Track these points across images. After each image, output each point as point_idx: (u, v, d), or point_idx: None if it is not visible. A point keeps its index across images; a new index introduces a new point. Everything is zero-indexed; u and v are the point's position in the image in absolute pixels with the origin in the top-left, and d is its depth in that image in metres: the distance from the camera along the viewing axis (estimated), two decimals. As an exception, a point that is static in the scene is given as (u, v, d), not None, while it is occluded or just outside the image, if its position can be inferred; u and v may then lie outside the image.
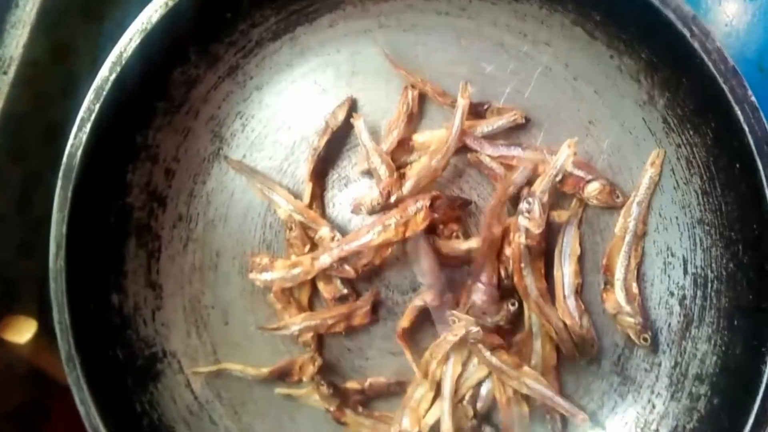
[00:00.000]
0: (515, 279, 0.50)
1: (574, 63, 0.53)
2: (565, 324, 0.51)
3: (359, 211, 0.54)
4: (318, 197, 0.57)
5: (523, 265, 0.50)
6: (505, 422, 0.52)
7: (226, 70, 0.56)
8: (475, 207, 0.55)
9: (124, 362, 0.55)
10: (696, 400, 0.50)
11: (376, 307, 0.54)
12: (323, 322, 0.54)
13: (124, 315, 0.55)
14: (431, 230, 0.52)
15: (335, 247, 0.51)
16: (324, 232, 0.55)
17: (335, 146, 0.55)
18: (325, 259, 0.52)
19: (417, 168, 0.53)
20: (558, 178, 0.50)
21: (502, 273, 0.51)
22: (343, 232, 0.54)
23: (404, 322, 0.53)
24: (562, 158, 0.50)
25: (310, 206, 0.55)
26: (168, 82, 0.54)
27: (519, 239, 0.50)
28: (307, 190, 0.56)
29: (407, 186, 0.53)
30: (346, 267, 0.53)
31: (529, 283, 0.50)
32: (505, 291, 0.51)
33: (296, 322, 0.54)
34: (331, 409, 0.53)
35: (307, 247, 0.55)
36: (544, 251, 0.51)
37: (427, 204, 0.51)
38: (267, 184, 0.56)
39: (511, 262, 0.50)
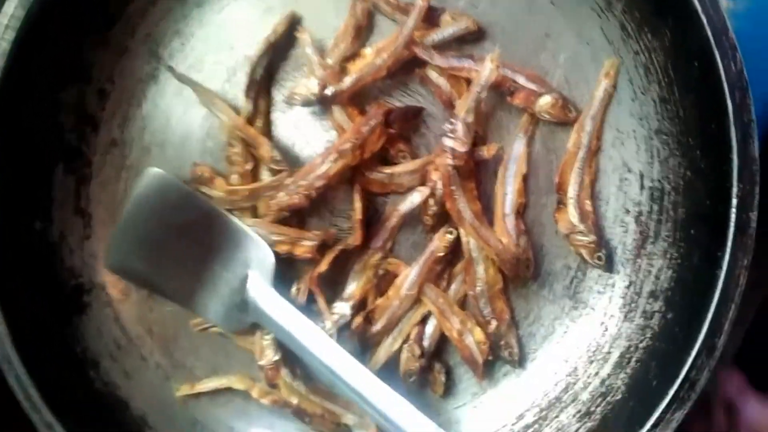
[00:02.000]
0: (447, 204, 0.48)
1: (529, -29, 0.51)
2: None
3: (293, 101, 0.51)
4: (263, 115, 0.53)
5: (453, 187, 0.48)
6: (463, 355, 0.49)
7: (166, -17, 0.50)
8: (425, 126, 0.52)
9: (45, 292, 0.51)
10: (650, 317, 0.48)
11: (322, 246, 0.50)
12: (268, 234, 0.50)
13: (49, 243, 0.51)
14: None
15: (291, 184, 0.49)
16: (264, 150, 0.52)
17: (280, 65, 0.53)
18: (282, 200, 0.49)
19: (360, 64, 0.50)
20: (482, 95, 0.48)
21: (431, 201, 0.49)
22: (287, 152, 0.52)
23: (322, 266, 0.49)
24: (486, 73, 0.48)
25: (251, 123, 0.53)
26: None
27: (445, 161, 0.47)
28: (245, 106, 0.53)
29: (347, 81, 0.50)
30: (296, 197, 0.49)
31: (462, 206, 0.48)
32: (440, 220, 0.50)
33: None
34: (269, 364, 0.50)
35: (249, 164, 0.52)
36: (473, 172, 0.49)
37: (381, 120, 0.48)
38: (209, 97, 0.53)
39: (440, 186, 0.48)
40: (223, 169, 0.52)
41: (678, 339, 0.44)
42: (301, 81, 0.51)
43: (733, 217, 0.42)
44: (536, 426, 0.50)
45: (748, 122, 0.42)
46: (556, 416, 0.50)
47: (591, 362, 0.49)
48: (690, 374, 0.42)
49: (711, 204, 0.44)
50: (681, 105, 0.46)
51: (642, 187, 0.49)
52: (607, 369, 0.49)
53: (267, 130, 0.53)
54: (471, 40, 0.51)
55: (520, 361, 0.50)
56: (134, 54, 0.53)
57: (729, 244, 0.42)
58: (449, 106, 0.51)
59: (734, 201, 0.42)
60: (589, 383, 0.49)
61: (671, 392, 0.42)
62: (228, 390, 0.52)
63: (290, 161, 0.51)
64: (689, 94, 0.45)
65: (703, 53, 0.42)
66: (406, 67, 0.51)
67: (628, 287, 0.49)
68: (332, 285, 0.51)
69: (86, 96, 0.53)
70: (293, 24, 0.53)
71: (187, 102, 0.53)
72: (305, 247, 0.50)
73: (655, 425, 0.43)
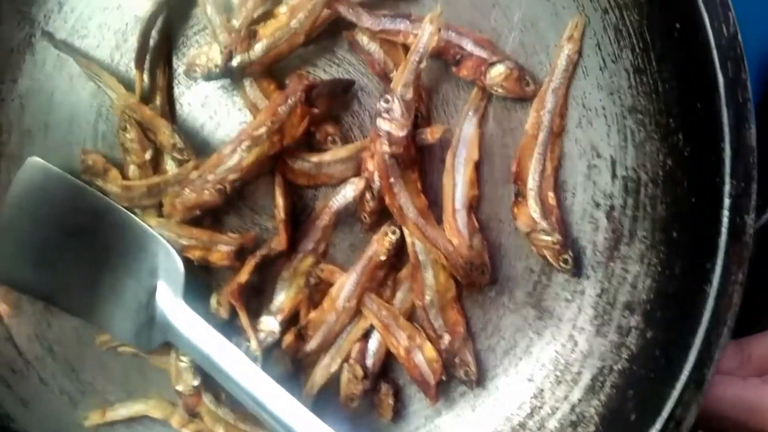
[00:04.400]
0: (387, 199, 0.42)
1: None
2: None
3: (193, 74, 0.45)
4: (163, 91, 0.47)
5: (392, 179, 0.42)
6: (412, 375, 0.45)
7: (31, -76, 0.45)
8: (358, 103, 0.46)
9: None
10: (626, 334, 0.42)
11: (241, 252, 0.45)
12: (176, 237, 0.45)
13: None
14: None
15: (197, 178, 0.44)
16: (163, 135, 0.45)
17: (181, 28, 0.47)
18: (189, 197, 0.44)
19: (271, 27, 0.44)
20: (422, 65, 0.42)
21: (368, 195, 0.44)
22: (195, 137, 0.46)
23: (242, 276, 0.44)
24: (425, 38, 0.41)
25: (147, 102, 0.46)
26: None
27: (381, 147, 0.41)
28: (137, 79, 0.46)
29: (257, 49, 0.44)
30: (206, 194, 0.44)
31: (404, 201, 0.42)
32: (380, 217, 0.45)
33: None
34: (187, 393, 0.46)
35: (148, 153, 0.46)
36: (416, 160, 0.43)
37: (302, 97, 0.43)
38: (94, 69, 0.47)
39: (376, 178, 0.42)
40: (119, 158, 0.47)
41: (660, 365, 0.39)
42: (203, 49, 0.45)
43: (725, 221, 0.36)
44: (498, 456, 0.46)
45: (743, 102, 0.35)
46: (521, 446, 0.46)
47: (559, 383, 0.44)
48: (675, 412, 0.37)
49: (697, 202, 0.39)
50: (660, 77, 0.40)
51: (614, 176, 0.43)
52: (577, 393, 0.44)
53: (168, 110, 0.47)
54: None
55: (478, 380, 0.45)
56: (1, 18, 0.47)
57: (720, 254, 0.36)
58: (384, 78, 0.45)
59: (726, 201, 0.36)
60: (557, 408, 0.44)
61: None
62: (145, 417, 0.48)
63: (198, 148, 0.46)
64: (669, 64, 0.40)
65: (686, 12, 0.37)
66: (332, 30, 0.45)
67: (599, 296, 0.44)
68: (258, 296, 0.46)
69: (-57, 72, 0.47)
70: (192, -25, 0.46)
71: (73, 75, 0.48)
72: (221, 252, 0.45)
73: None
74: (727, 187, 0.36)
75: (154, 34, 0.46)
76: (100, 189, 0.46)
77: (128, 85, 0.46)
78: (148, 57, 0.46)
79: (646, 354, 0.41)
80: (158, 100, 0.47)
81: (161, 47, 0.46)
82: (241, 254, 0.45)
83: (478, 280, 0.44)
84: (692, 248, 0.39)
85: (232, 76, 0.45)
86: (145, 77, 0.46)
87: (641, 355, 0.41)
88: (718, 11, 0.36)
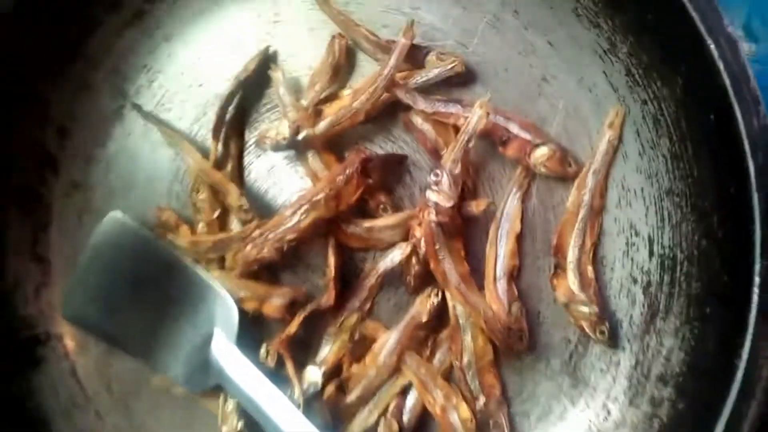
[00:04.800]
0: (431, 264, 0.44)
1: (525, 10, 0.47)
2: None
3: (263, 145, 0.48)
4: (235, 159, 0.50)
5: (437, 246, 0.43)
6: None
7: (131, 14, 0.50)
8: (409, 177, 0.48)
9: (-3, 343, 0.48)
10: (658, 405, 0.42)
11: (293, 305, 0.46)
12: (234, 289, 0.47)
13: (2, 291, 0.49)
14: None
15: (258, 237, 0.45)
16: (232, 197, 0.48)
17: (254, 105, 0.50)
18: (250, 253, 0.46)
19: (335, 107, 0.46)
20: (470, 144, 0.44)
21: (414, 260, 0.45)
22: (259, 200, 0.49)
23: (291, 328, 0.45)
24: (474, 120, 0.43)
25: (220, 168, 0.49)
26: (62, 24, 0.48)
27: (429, 216, 0.43)
28: (213, 148, 0.49)
29: (321, 125, 0.46)
30: (264, 252, 0.46)
31: (447, 267, 0.43)
32: (424, 280, 0.45)
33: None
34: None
35: (217, 212, 0.49)
36: (461, 229, 0.45)
37: (359, 168, 0.45)
38: (175, 138, 0.50)
39: (423, 244, 0.43)
40: (190, 216, 0.50)
41: None
42: (273, 123, 0.48)
43: (755, 298, 0.37)
44: None
45: None
46: None
47: None
48: (705, 483, 0.37)
49: (729, 280, 0.39)
50: (695, 163, 0.42)
51: (651, 253, 0.44)
52: (609, 462, 0.43)
53: (238, 175, 0.50)
54: (459, 82, 0.47)
55: None
56: (97, 90, 0.51)
57: (750, 330, 0.37)
58: (435, 155, 0.47)
59: (756, 279, 0.37)
60: (590, 477, 0.44)
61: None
62: (192, 456, 0.48)
63: (262, 210, 0.48)
64: (704, 151, 0.41)
65: (720, 105, 0.38)
66: (389, 111, 0.48)
67: (634, 367, 0.44)
68: (304, 348, 0.47)
69: (44, 134, 0.50)
70: (267, 61, 0.49)
71: (155, 142, 0.51)
72: (274, 305, 0.46)
73: None
74: (757, 267, 0.37)
75: (230, 109, 0.49)
76: (171, 243, 0.48)
77: (204, 153, 0.49)
78: (223, 129, 0.49)
79: (678, 425, 0.41)
80: (229, 167, 0.49)
81: (236, 120, 0.49)
82: (292, 307, 0.46)
83: (516, 345, 0.44)
84: (724, 324, 0.39)
85: (297, 148, 0.47)
86: (220, 147, 0.49)
87: (672, 427, 0.41)
88: (749, 105, 0.37)
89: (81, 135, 0.50)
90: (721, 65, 0.37)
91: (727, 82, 0.36)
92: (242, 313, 0.46)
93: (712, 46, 0.37)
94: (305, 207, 0.45)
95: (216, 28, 0.50)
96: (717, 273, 0.40)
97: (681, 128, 0.42)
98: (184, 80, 0.51)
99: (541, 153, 0.44)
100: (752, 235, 0.37)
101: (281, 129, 0.47)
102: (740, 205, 0.38)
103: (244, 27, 0.50)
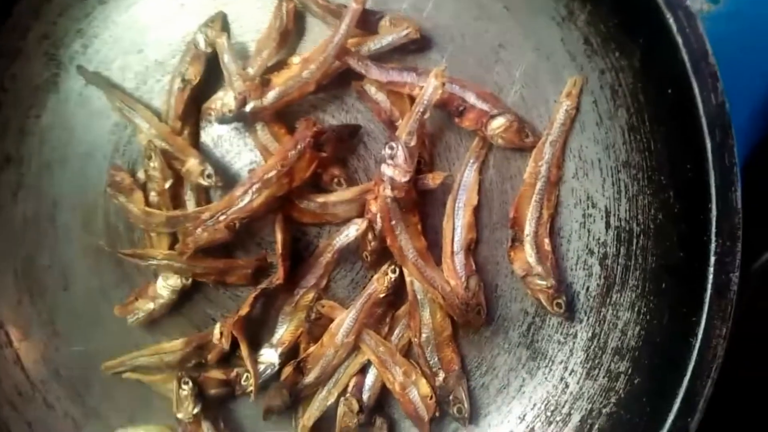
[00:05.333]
0: (388, 240, 0.43)
1: (481, -27, 0.45)
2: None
3: (208, 117, 0.46)
4: (190, 125, 0.48)
5: (393, 222, 0.42)
6: (406, 411, 0.45)
7: (61, -24, 0.46)
8: (363, 147, 0.47)
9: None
10: (615, 378, 0.43)
11: (259, 270, 0.46)
12: (189, 267, 0.46)
13: None
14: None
15: (209, 218, 0.44)
16: (192, 163, 0.46)
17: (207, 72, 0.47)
18: (200, 236, 0.44)
19: (284, 76, 0.44)
20: (426, 116, 0.42)
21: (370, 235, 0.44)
22: (216, 166, 0.47)
23: (243, 308, 0.45)
24: (429, 91, 0.42)
25: (178, 134, 0.47)
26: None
27: (384, 191, 0.42)
28: (173, 113, 0.47)
29: (269, 96, 0.44)
30: (217, 234, 0.44)
31: (404, 242, 0.43)
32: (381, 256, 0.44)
33: (156, 255, 0.46)
34: (188, 418, 0.46)
35: (169, 182, 0.47)
36: (417, 203, 0.44)
37: (310, 142, 0.43)
38: (128, 102, 0.47)
39: (379, 220, 0.43)
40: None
41: (645, 412, 0.40)
42: (218, 94, 0.46)
43: (710, 277, 0.37)
44: (488, 493, 0.46)
45: (730, 166, 0.36)
46: (511, 484, 0.45)
47: (549, 423, 0.44)
48: (659, 459, 0.37)
49: (685, 256, 0.39)
50: (652, 137, 0.41)
51: (608, 225, 0.44)
52: (567, 434, 0.44)
53: (195, 143, 0.48)
54: (414, 49, 0.45)
55: (471, 418, 0.45)
56: (28, 57, 0.49)
57: (705, 309, 0.37)
58: (390, 125, 0.45)
59: (712, 259, 0.37)
60: (548, 448, 0.44)
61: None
62: (147, 442, 0.48)
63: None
64: (661, 125, 0.41)
65: (678, 79, 0.37)
66: (342, 79, 0.46)
67: (591, 340, 0.44)
68: (261, 329, 0.46)
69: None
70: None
71: (93, 112, 0.49)
72: (238, 275, 0.46)
73: None
74: (713, 246, 0.37)
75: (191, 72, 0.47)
76: (123, 207, 0.46)
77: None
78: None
79: (633, 400, 0.41)
80: (186, 133, 0.47)
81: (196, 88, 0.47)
82: (258, 274, 0.46)
83: (474, 320, 0.44)
84: (680, 300, 0.40)
85: (245, 120, 0.45)
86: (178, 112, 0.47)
87: (628, 401, 0.42)
88: (707, 81, 0.37)
89: (12, 106, 0.49)
90: (679, 40, 0.36)
91: (686, 57, 0.36)
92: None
93: (671, 20, 0.36)
94: (257, 186, 0.44)
95: (155, -10, 0.47)
96: (673, 248, 0.40)
97: (639, 100, 0.41)
98: (122, 46, 0.49)
99: (498, 124, 0.43)
100: (708, 213, 0.37)
101: (227, 100, 0.45)
102: (696, 182, 0.38)
103: (185, -12, 0.47)
